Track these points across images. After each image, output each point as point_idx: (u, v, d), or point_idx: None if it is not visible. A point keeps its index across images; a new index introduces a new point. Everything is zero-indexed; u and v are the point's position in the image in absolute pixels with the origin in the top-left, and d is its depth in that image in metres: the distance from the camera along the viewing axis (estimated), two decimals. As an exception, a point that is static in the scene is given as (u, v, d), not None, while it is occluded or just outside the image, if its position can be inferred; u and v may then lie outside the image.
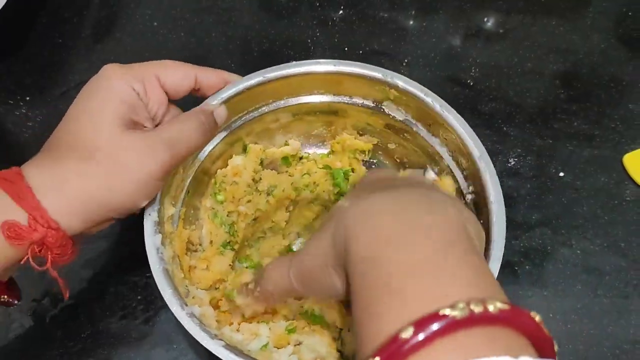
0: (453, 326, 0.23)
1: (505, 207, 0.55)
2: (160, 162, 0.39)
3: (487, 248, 0.42)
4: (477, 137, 0.45)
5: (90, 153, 0.37)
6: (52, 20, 0.66)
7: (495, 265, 0.41)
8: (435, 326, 0.23)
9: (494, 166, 0.57)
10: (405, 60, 0.64)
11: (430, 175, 0.48)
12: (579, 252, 0.53)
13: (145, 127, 0.41)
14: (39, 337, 0.49)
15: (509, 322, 0.24)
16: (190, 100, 0.46)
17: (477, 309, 0.23)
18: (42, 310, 0.50)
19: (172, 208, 0.46)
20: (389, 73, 0.48)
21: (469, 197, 0.47)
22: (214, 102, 0.46)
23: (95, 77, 0.40)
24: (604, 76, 0.63)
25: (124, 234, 0.54)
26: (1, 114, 0.60)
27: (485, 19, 0.67)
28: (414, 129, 0.50)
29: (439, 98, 0.47)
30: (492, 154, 0.58)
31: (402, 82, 0.48)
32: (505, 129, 0.60)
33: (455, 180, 0.47)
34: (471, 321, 0.23)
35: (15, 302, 0.43)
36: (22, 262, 0.37)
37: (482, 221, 0.44)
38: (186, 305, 0.40)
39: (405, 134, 0.51)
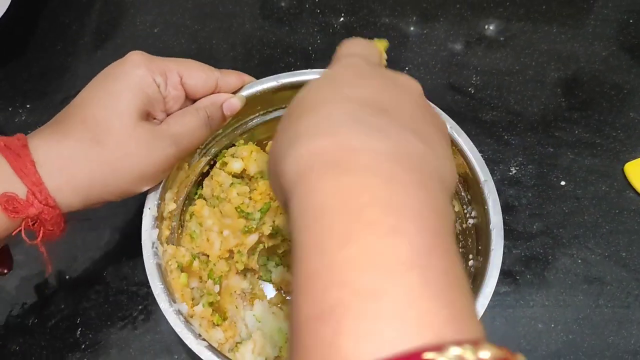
0: None
1: (507, 216, 0.55)
2: (165, 156, 0.40)
3: (481, 274, 0.41)
4: (484, 163, 0.45)
5: (101, 137, 0.38)
6: (52, 26, 0.66)
7: (490, 287, 0.40)
8: None
9: (495, 174, 0.58)
10: (406, 68, 0.64)
11: None
12: (580, 261, 0.53)
13: (156, 119, 0.42)
14: (37, 348, 0.49)
15: None
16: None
17: (469, 356, 0.18)
18: (41, 321, 0.50)
19: (173, 204, 0.46)
20: None
21: (470, 221, 0.46)
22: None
23: (120, 61, 0.41)
24: (606, 84, 0.62)
25: (124, 244, 0.53)
26: (1, 121, 0.60)
27: (486, 27, 0.67)
28: None
29: (450, 119, 0.46)
30: (494, 162, 0.58)
31: None
32: (506, 137, 0.60)
33: (460, 204, 0.47)
34: None
35: (5, 271, 0.44)
36: (13, 234, 0.38)
37: (480, 247, 0.44)
38: (174, 302, 0.40)
39: None
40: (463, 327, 0.19)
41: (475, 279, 0.43)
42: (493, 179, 0.57)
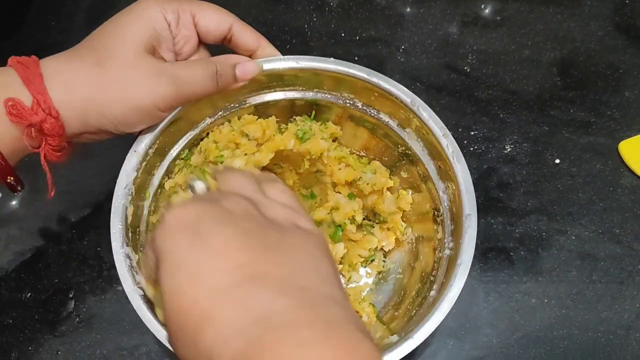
0: None
1: (501, 194, 0.56)
2: (161, 94, 0.40)
3: (436, 304, 0.40)
4: (473, 195, 0.43)
5: (104, 59, 0.39)
6: (46, 2, 0.65)
7: (433, 324, 0.39)
8: None
9: (490, 152, 0.58)
10: (402, 47, 0.64)
11: None
12: (574, 238, 0.53)
13: (163, 58, 0.42)
14: (31, 322, 0.49)
15: None
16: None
17: None
18: (35, 295, 0.50)
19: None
20: (418, 102, 0.45)
21: (446, 252, 0.44)
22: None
23: (138, 0, 0.42)
24: (601, 64, 0.62)
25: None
26: (-6, 97, 0.60)
27: (483, 6, 0.67)
28: (426, 166, 0.47)
29: (455, 143, 0.44)
30: (489, 140, 0.58)
31: (426, 114, 0.45)
32: (502, 116, 0.59)
33: (443, 232, 0.46)
34: None
35: (19, 188, 0.44)
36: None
37: (444, 280, 0.42)
38: (127, 245, 0.41)
39: (418, 167, 0.49)
40: None
41: (428, 310, 0.41)
42: (488, 156, 0.58)
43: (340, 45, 0.64)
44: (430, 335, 0.48)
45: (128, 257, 0.40)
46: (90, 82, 0.39)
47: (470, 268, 0.51)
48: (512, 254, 0.53)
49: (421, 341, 0.38)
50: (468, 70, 0.62)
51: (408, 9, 0.67)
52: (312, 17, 0.65)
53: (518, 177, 0.56)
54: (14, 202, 0.55)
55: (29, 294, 0.50)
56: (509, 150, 0.58)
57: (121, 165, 0.43)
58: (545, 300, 0.51)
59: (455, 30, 0.65)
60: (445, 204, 0.46)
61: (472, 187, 0.43)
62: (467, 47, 0.64)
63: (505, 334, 0.49)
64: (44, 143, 0.39)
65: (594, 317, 0.50)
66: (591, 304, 0.51)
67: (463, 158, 0.44)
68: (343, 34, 0.64)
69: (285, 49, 0.63)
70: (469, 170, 0.43)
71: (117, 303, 0.50)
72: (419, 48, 0.64)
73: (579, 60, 0.63)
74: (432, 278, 0.45)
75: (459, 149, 0.44)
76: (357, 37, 0.64)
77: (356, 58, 0.62)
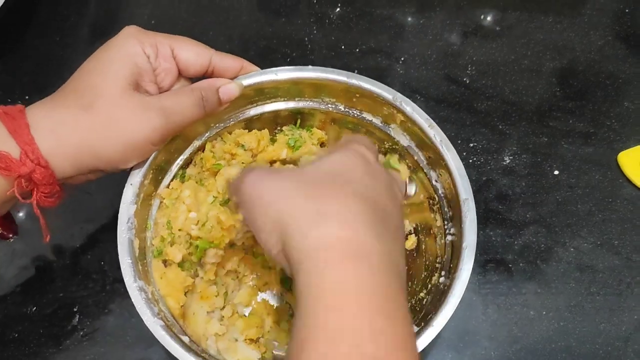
0: None
1: (500, 205, 0.56)
2: (152, 127, 0.40)
3: (449, 289, 0.41)
4: (467, 181, 0.44)
5: (91, 101, 0.39)
6: (50, 17, 0.66)
7: (450, 309, 0.40)
8: None
9: (489, 164, 0.58)
10: (402, 58, 0.64)
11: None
12: (572, 250, 0.54)
13: (147, 91, 0.43)
14: (36, 335, 0.50)
15: None
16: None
17: None
18: (40, 308, 0.51)
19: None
20: (400, 97, 0.47)
21: (448, 238, 0.46)
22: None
23: (115, 36, 0.42)
24: (601, 74, 0.62)
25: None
26: (0, 112, 0.61)
27: (483, 17, 0.67)
28: (415, 157, 0.49)
29: (442, 132, 0.46)
30: (488, 152, 0.58)
31: (410, 108, 0.46)
32: (501, 127, 0.60)
33: (442, 219, 0.47)
34: None
35: (11, 235, 0.45)
36: (7, 194, 0.39)
37: (451, 265, 0.44)
38: (139, 279, 0.41)
39: (406, 160, 0.50)
40: None
41: (442, 296, 0.42)
42: (487, 168, 0.58)
43: (340, 58, 0.64)
44: (429, 347, 0.48)
45: (142, 290, 0.41)
46: (81, 126, 0.39)
47: (469, 280, 0.52)
48: (510, 265, 0.53)
49: (441, 328, 0.39)
50: (467, 82, 0.62)
51: (409, 20, 0.67)
52: (312, 29, 0.66)
53: (517, 189, 0.57)
54: (20, 214, 0.56)
55: (34, 308, 0.51)
56: (508, 161, 0.58)
57: (122, 182, 0.44)
58: (544, 312, 0.51)
59: (455, 41, 0.65)
60: (440, 191, 0.47)
61: (465, 172, 0.44)
62: (466, 58, 0.64)
63: (503, 347, 0.50)
64: (35, 192, 0.39)
65: (592, 329, 0.50)
66: (589, 315, 0.51)
67: (452, 146, 0.45)
68: (343, 46, 0.65)
69: (286, 62, 0.64)
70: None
71: (121, 317, 0.51)
72: (419, 59, 0.64)
73: (578, 70, 0.63)
74: (437, 265, 0.46)
75: (446, 137, 0.45)
76: (357, 49, 0.65)
77: (356, 70, 0.63)
